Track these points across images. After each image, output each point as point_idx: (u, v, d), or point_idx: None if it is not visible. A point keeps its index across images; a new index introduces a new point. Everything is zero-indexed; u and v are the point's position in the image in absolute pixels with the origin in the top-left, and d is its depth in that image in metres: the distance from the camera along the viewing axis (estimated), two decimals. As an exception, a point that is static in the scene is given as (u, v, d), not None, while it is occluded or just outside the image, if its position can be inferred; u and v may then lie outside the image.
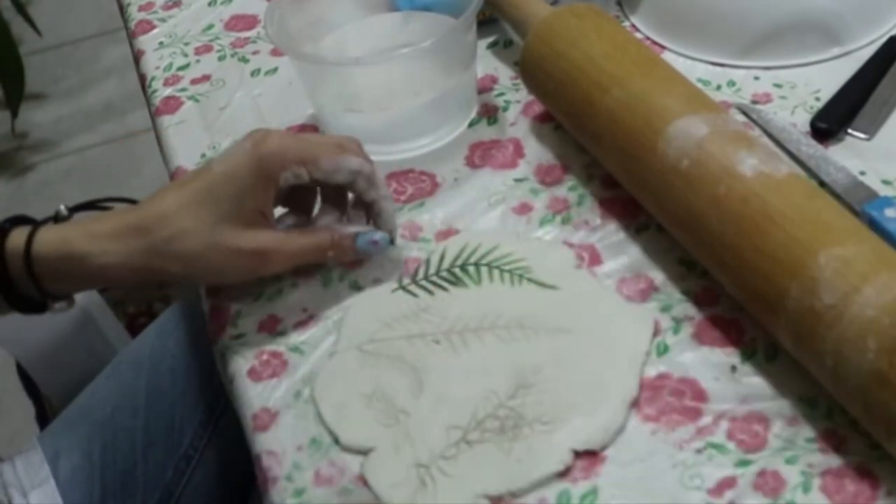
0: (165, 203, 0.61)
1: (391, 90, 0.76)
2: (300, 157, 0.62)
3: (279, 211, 0.67)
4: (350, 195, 0.67)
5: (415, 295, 0.65)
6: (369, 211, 0.66)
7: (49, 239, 0.62)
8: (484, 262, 0.65)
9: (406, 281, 0.66)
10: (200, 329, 0.71)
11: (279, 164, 0.61)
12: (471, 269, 0.65)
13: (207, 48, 0.89)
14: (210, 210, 0.60)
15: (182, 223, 0.60)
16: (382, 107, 0.76)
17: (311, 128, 0.79)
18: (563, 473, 0.54)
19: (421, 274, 0.66)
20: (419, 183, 0.73)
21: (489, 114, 0.78)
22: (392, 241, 0.66)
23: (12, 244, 0.62)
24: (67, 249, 0.61)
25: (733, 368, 0.58)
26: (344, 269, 0.68)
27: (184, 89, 0.85)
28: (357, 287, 0.66)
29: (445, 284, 0.65)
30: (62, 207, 0.65)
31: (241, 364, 0.63)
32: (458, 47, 0.74)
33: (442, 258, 0.67)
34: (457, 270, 0.65)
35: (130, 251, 0.60)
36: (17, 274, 0.62)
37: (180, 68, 0.88)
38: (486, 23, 0.85)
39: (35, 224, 0.63)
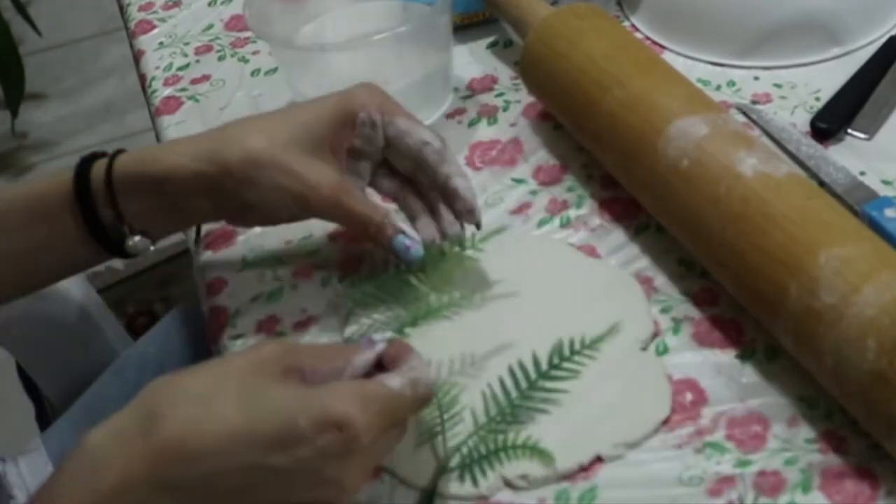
0: (246, 117, 0.64)
1: (364, 76, 0.76)
2: (381, 105, 0.63)
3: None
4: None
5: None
6: (445, 194, 0.64)
7: (131, 153, 0.63)
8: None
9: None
10: (204, 331, 0.71)
11: (360, 102, 0.63)
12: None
13: (207, 48, 0.89)
14: (283, 127, 0.62)
15: (255, 127, 0.62)
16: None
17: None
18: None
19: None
20: (419, 183, 0.73)
21: (489, 114, 0.78)
22: (478, 225, 0.64)
23: (98, 166, 0.63)
24: (143, 154, 0.63)
25: (733, 368, 0.58)
26: (343, 271, 0.68)
27: (184, 89, 0.85)
28: (357, 287, 0.66)
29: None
30: None
31: (241, 364, 0.63)
32: (432, 32, 0.75)
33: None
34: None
35: (199, 151, 0.61)
36: (100, 197, 0.62)
37: (180, 68, 0.88)
38: (486, 23, 0.85)
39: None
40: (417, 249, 0.62)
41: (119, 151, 0.63)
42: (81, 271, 0.68)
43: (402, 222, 0.63)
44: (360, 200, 0.62)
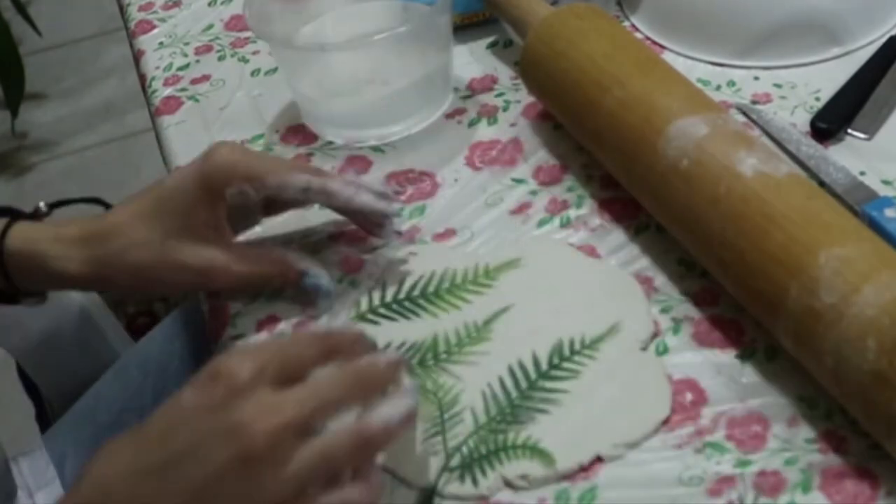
0: (122, 215, 0.63)
1: (364, 76, 0.77)
2: (247, 173, 0.61)
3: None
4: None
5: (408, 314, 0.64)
6: (355, 217, 0.66)
7: (20, 236, 0.65)
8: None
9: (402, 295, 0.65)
10: (205, 331, 0.72)
11: (224, 179, 0.61)
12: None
13: (207, 48, 0.89)
14: (160, 223, 0.62)
15: (134, 235, 0.62)
16: (356, 92, 0.78)
17: (309, 127, 0.79)
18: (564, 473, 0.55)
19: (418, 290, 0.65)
20: (419, 183, 0.73)
21: (489, 114, 0.78)
22: (399, 232, 0.66)
23: None
24: (33, 249, 0.64)
25: (733, 368, 0.58)
26: (343, 271, 0.68)
27: (184, 89, 0.85)
28: (356, 286, 0.66)
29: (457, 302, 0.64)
30: (41, 204, 0.69)
31: (241, 364, 0.63)
32: (432, 32, 0.75)
33: (441, 279, 0.66)
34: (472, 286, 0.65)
35: (86, 258, 0.63)
36: None
37: (180, 68, 0.88)
38: (486, 23, 0.85)
39: (12, 218, 0.66)
40: (328, 284, 0.64)
41: (10, 224, 0.65)
42: None
43: (303, 259, 0.65)
44: (256, 260, 0.64)
